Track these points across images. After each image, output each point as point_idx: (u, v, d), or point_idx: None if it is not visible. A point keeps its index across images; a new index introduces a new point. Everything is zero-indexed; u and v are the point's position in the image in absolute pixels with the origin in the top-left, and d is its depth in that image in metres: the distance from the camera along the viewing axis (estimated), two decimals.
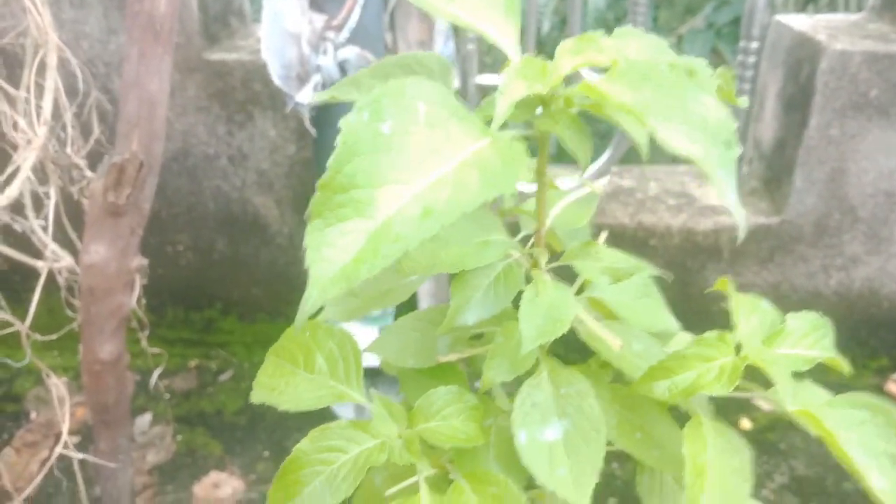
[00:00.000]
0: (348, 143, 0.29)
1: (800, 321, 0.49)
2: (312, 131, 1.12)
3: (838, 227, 1.43)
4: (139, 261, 0.84)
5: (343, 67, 1.11)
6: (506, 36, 0.36)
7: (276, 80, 1.06)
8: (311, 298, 0.27)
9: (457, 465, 0.45)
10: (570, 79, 0.36)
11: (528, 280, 0.43)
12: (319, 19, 1.07)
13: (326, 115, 1.15)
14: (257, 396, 0.47)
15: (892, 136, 1.32)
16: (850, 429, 0.41)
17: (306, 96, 1.05)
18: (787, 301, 1.50)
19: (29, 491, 1.19)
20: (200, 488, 1.33)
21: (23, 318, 1.00)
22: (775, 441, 1.41)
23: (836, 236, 1.45)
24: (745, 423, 1.44)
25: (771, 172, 1.49)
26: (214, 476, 1.35)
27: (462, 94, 1.38)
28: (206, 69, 1.27)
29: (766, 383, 0.47)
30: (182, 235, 1.44)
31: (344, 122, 0.29)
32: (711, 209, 1.48)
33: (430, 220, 0.27)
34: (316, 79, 1.06)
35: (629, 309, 0.45)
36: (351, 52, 1.10)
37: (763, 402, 1.49)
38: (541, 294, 0.40)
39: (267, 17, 1.06)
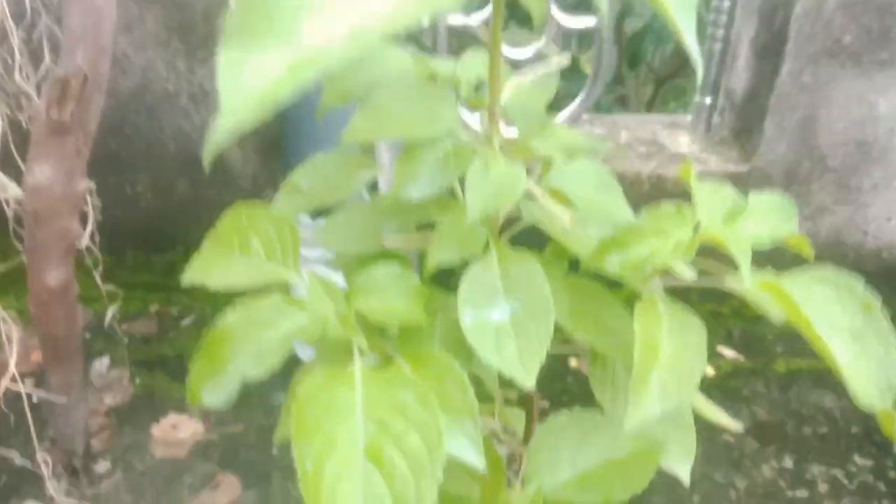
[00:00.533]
0: None
1: (762, 201, 0.48)
2: None
3: (808, 175, 1.43)
4: (86, 183, 0.81)
5: None
6: None
7: None
8: (222, 127, 0.25)
9: (400, 350, 0.43)
10: None
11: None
12: None
13: None
14: (189, 277, 0.45)
15: (864, 83, 1.31)
16: (815, 304, 0.39)
17: None
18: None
19: None
20: (159, 429, 1.31)
21: None
22: (737, 388, 1.42)
23: (804, 185, 1.44)
24: (708, 371, 1.45)
25: (742, 122, 1.48)
26: (173, 417, 1.33)
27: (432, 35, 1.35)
28: (165, 1, 1.23)
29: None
30: (142, 175, 1.40)
31: None
32: (681, 157, 1.47)
33: (357, 41, 0.24)
34: None
35: (588, 201, 0.43)
36: None
37: (725, 350, 1.50)
38: (491, 168, 0.38)
39: None
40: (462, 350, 0.40)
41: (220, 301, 1.55)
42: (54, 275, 0.84)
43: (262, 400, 1.39)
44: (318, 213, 0.53)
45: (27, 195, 0.79)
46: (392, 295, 0.42)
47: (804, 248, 0.48)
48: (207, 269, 0.45)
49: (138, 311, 1.54)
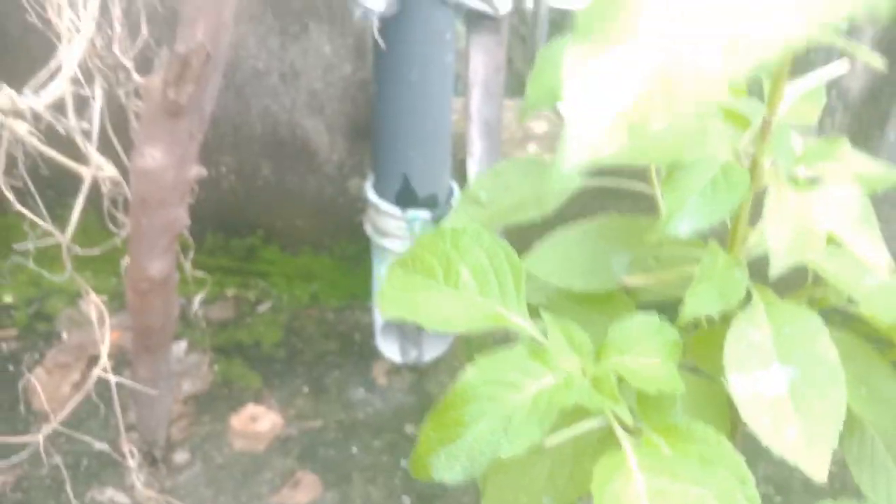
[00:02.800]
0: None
1: None
2: (381, 42, 1.02)
3: None
4: (197, 170, 0.76)
5: None
6: None
7: None
8: (572, 154, 0.18)
9: (643, 418, 0.35)
10: None
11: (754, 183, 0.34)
12: None
13: (392, 28, 1.05)
14: (388, 309, 0.37)
15: None
16: None
17: (378, 2, 0.95)
18: None
19: (65, 413, 1.13)
20: (238, 420, 1.28)
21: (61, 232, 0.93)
22: None
23: None
24: None
25: (858, 125, 1.38)
26: (252, 409, 1.30)
27: (532, 18, 1.28)
28: None
29: None
30: (225, 157, 1.36)
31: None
32: None
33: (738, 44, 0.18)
34: None
35: (849, 234, 0.36)
36: None
37: None
38: (783, 201, 0.31)
39: None
40: (708, 419, 0.32)
41: (297, 289, 1.51)
42: (157, 265, 0.79)
43: (341, 393, 1.34)
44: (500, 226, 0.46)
45: (135, 180, 0.74)
46: (648, 352, 0.34)
47: None
48: (406, 300, 0.37)
49: (215, 295, 1.50)
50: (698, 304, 0.33)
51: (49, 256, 1.05)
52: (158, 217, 0.76)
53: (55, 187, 1.29)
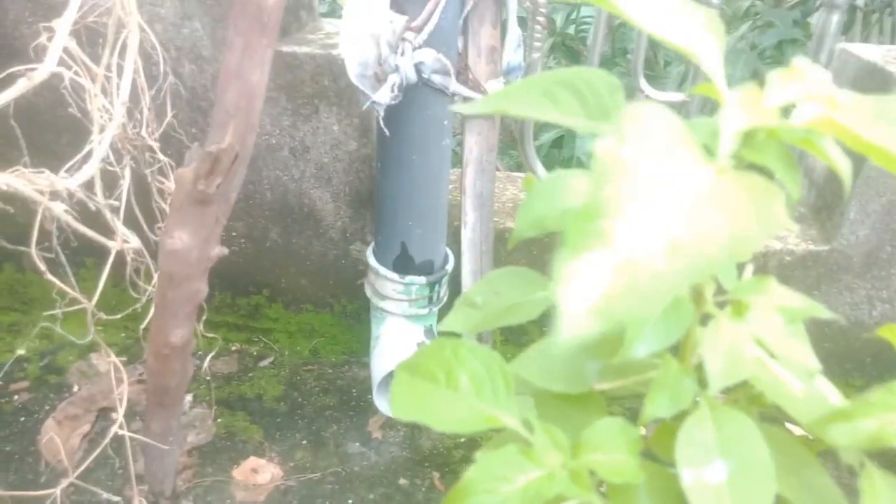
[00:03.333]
0: (596, 171, 0.28)
1: None
2: (385, 131, 1.12)
3: (889, 259, 1.43)
4: (219, 250, 0.85)
5: (418, 69, 1.11)
6: (709, 54, 0.35)
7: (353, 78, 1.07)
8: (562, 333, 0.27)
9: (611, 498, 0.43)
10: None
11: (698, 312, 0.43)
12: (400, 20, 1.08)
13: (396, 115, 1.16)
14: (400, 411, 0.45)
15: None
16: None
17: (384, 96, 1.05)
18: (830, 329, 1.50)
19: (78, 467, 1.20)
20: (239, 472, 1.34)
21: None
22: None
23: (885, 269, 1.44)
24: None
25: (822, 201, 1.48)
26: (253, 461, 1.37)
27: None
28: (276, 61, 1.28)
29: None
30: (238, 223, 1.45)
31: (597, 148, 0.28)
32: None
33: (678, 257, 0.26)
34: (393, 79, 1.07)
35: (780, 348, 0.44)
36: (427, 55, 1.11)
37: None
38: (720, 331, 0.40)
39: (348, 15, 1.07)
40: (672, 502, 0.41)
41: (298, 345, 1.59)
42: (179, 332, 0.88)
43: (338, 447, 1.41)
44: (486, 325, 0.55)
45: (163, 258, 0.83)
46: (615, 449, 0.42)
47: None
48: (415, 404, 0.46)
49: (220, 351, 1.58)
50: (655, 409, 0.41)
51: (68, 315, 1.13)
52: (182, 291, 0.84)
53: (71, 249, 1.38)
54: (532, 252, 1.47)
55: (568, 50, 2.30)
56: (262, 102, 0.78)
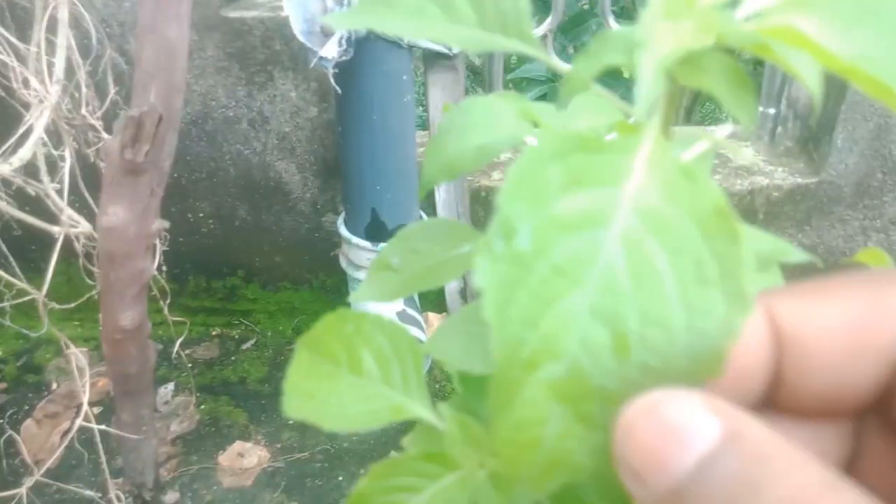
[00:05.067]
0: (489, 290, 0.21)
1: None
2: (337, 89, 1.07)
3: (881, 187, 1.37)
4: (159, 224, 0.80)
5: None
6: None
7: (299, 35, 1.01)
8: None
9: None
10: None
11: None
12: None
13: (351, 73, 1.10)
14: (293, 407, 0.37)
15: None
16: None
17: (331, 51, 1.00)
18: (824, 263, 1.45)
19: (50, 463, 1.17)
20: (225, 458, 1.31)
21: (40, 288, 0.97)
22: None
23: (877, 197, 1.39)
24: None
25: (808, 132, 1.42)
26: (239, 446, 1.33)
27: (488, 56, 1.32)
28: (224, 27, 1.22)
29: None
30: (203, 202, 1.40)
31: (476, 267, 0.21)
32: (746, 169, 1.42)
33: (622, 349, 0.21)
34: (340, 32, 1.01)
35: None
36: None
37: None
38: None
39: None
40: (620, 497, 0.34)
41: (280, 325, 1.55)
42: (128, 314, 0.83)
43: None
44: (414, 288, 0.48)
45: (101, 237, 0.78)
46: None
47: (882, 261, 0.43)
48: (312, 393, 0.38)
49: (200, 336, 1.54)
50: None
51: (34, 308, 1.08)
52: (125, 270, 0.80)
53: (37, 240, 1.34)
54: None
55: None
56: (185, 59, 0.72)
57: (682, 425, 0.17)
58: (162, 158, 0.75)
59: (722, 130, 0.34)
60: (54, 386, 1.45)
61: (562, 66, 0.32)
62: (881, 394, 0.19)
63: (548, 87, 2.16)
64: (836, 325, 0.19)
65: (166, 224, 0.81)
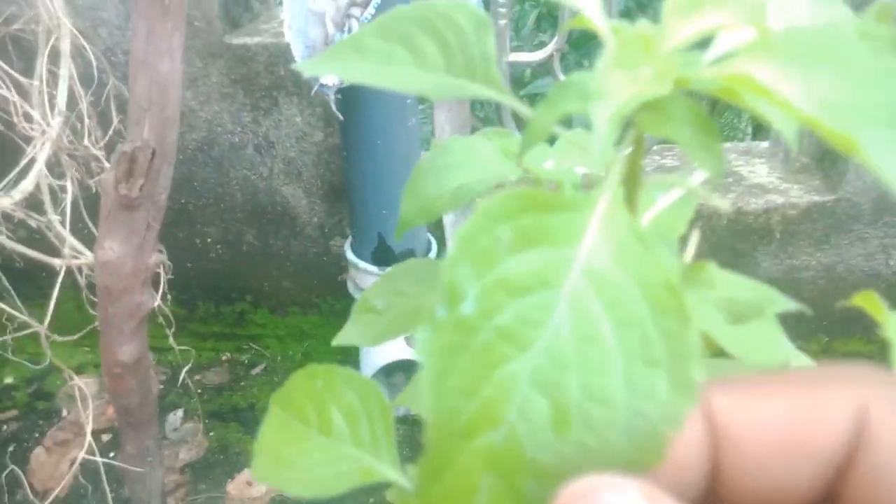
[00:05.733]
0: (428, 361, 0.20)
1: None
2: (339, 116, 1.06)
3: None
4: (157, 257, 0.79)
5: None
6: None
7: (300, 61, 1.01)
8: None
9: None
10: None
11: None
12: None
13: (353, 98, 1.09)
14: (261, 471, 0.35)
15: None
16: None
17: (331, 78, 0.99)
18: (844, 283, 1.41)
19: (58, 492, 1.16)
20: (234, 486, 1.29)
21: (44, 318, 0.96)
22: None
23: None
24: None
25: (823, 148, 1.40)
26: (247, 474, 1.31)
27: None
28: (228, 54, 1.22)
29: None
30: (210, 228, 1.40)
31: (417, 337, 0.20)
32: (761, 188, 1.39)
33: (562, 423, 0.19)
34: None
35: (740, 340, 0.36)
36: None
37: None
38: None
39: None
40: None
41: (289, 349, 1.54)
42: (127, 349, 0.82)
43: None
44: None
45: (98, 272, 0.77)
46: None
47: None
48: (280, 454, 0.36)
49: (210, 362, 1.53)
50: None
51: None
52: (123, 304, 0.79)
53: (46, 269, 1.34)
54: None
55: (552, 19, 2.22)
56: (179, 93, 0.71)
57: None
58: (157, 192, 0.75)
59: (696, 177, 0.32)
60: (65, 413, 1.45)
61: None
62: (823, 496, 0.18)
63: None
64: (774, 423, 0.18)
65: (164, 258, 0.80)
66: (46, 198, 0.99)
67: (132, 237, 0.76)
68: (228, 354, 1.55)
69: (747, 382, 0.19)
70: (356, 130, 1.14)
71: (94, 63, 1.04)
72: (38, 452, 1.35)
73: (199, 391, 1.46)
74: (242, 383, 1.50)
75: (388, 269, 1.24)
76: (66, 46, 0.98)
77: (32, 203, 0.97)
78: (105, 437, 1.38)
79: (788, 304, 0.35)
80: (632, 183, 0.24)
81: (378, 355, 1.27)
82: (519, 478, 0.19)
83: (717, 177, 0.22)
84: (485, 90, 0.28)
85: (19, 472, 1.11)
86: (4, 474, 1.23)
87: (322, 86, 1.00)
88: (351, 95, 1.08)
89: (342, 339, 0.48)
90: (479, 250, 0.20)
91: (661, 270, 0.19)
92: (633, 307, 0.20)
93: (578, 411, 0.19)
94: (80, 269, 0.97)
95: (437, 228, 1.34)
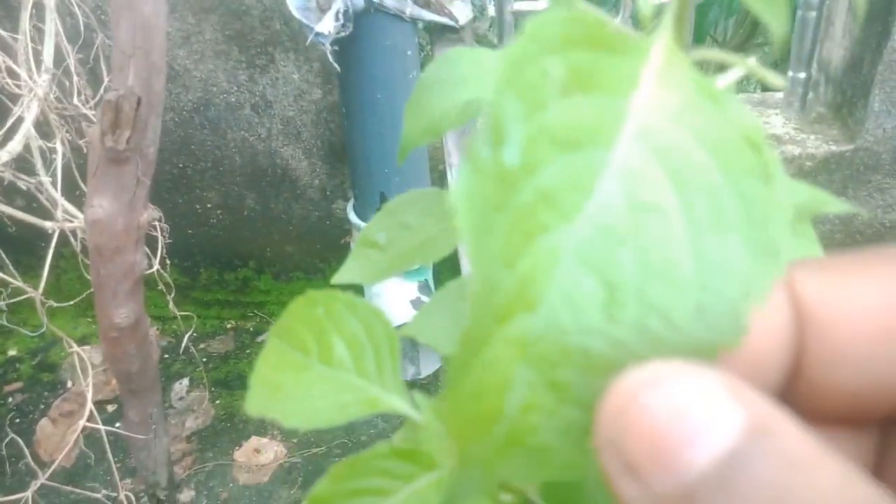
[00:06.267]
0: (465, 211, 0.16)
1: None
2: (336, 67, 1.01)
3: None
4: (149, 214, 0.75)
5: None
6: None
7: (295, 11, 0.96)
8: (459, 480, 0.17)
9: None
10: None
11: None
12: None
13: (352, 52, 1.05)
14: (255, 403, 0.32)
15: None
16: None
17: (327, 26, 0.94)
18: (862, 236, 1.37)
19: (64, 463, 1.14)
20: (241, 454, 1.27)
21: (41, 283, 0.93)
22: None
23: None
24: None
25: (842, 96, 1.34)
26: (255, 441, 1.29)
27: (497, 24, 1.26)
28: (221, 9, 1.18)
29: None
30: (210, 193, 1.36)
31: (460, 174, 0.17)
32: (776, 138, 1.34)
33: (615, 304, 0.16)
34: (337, 5, 0.95)
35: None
36: None
37: None
38: None
39: None
40: None
41: None
42: (123, 311, 0.79)
43: None
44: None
45: (88, 230, 0.74)
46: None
47: None
48: (278, 385, 0.33)
49: (215, 329, 1.50)
50: None
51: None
52: (116, 265, 0.75)
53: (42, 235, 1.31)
54: None
55: None
56: (164, 37, 0.68)
57: (696, 411, 0.12)
58: (146, 144, 0.71)
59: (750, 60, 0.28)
60: (69, 384, 1.43)
61: None
62: None
63: None
64: (872, 308, 0.14)
65: (157, 214, 0.77)
66: (37, 160, 0.96)
67: (122, 193, 0.72)
68: (233, 322, 1.52)
69: (843, 262, 0.16)
70: (355, 86, 1.10)
71: (82, 19, 1.00)
72: (44, 424, 1.33)
73: (205, 359, 1.44)
74: (248, 351, 1.47)
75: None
76: (50, 1, 0.94)
77: (22, 166, 0.94)
78: (110, 408, 1.36)
79: (843, 206, 0.32)
80: (680, 28, 0.21)
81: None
82: (560, 371, 0.16)
83: (781, 41, 0.19)
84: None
85: (22, 444, 1.09)
86: (6, 442, 1.21)
87: (317, 34, 0.96)
88: (349, 47, 1.03)
89: (342, 276, 0.44)
90: (526, 84, 0.17)
91: (737, 123, 0.16)
92: (699, 167, 0.16)
93: (635, 290, 0.15)
94: (74, 233, 0.94)
95: (441, 187, 1.30)
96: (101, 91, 1.05)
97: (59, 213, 0.93)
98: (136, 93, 0.65)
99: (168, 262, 1.12)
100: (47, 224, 0.89)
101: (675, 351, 0.14)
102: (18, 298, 0.95)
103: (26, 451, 1.05)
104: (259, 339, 1.49)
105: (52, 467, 0.97)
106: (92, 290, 1.06)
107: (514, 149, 0.16)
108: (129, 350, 0.85)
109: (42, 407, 1.39)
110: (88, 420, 0.93)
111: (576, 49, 0.17)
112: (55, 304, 0.95)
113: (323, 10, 0.97)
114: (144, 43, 0.66)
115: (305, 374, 0.34)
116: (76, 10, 0.99)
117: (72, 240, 0.94)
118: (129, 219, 0.73)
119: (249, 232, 1.41)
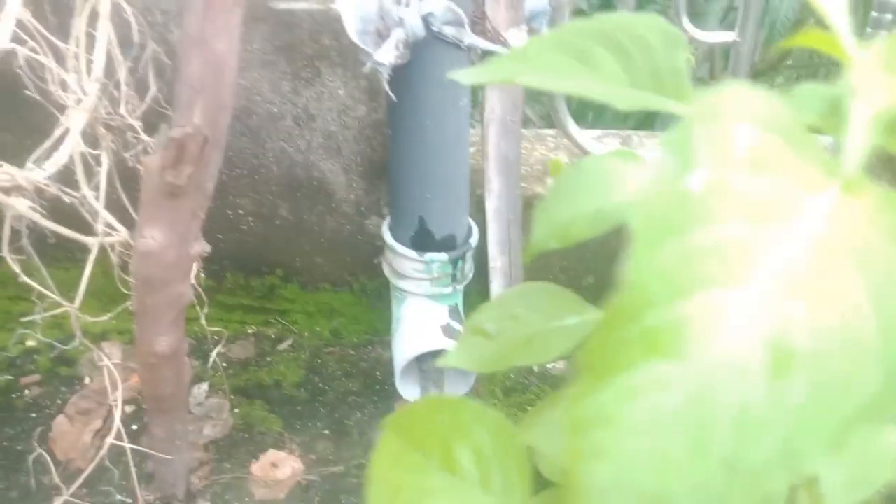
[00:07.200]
0: (646, 219, 0.15)
1: None
2: (392, 97, 0.99)
3: None
4: (200, 246, 0.74)
5: (427, 21, 0.98)
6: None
7: (353, 36, 0.94)
8: None
9: None
10: None
11: None
12: None
13: (406, 76, 1.03)
14: (378, 497, 0.32)
15: None
16: None
17: (387, 55, 0.92)
18: None
19: (79, 464, 1.13)
20: (258, 468, 1.26)
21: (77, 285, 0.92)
22: None
23: None
24: None
25: None
26: (273, 455, 1.28)
27: None
28: (272, 19, 1.15)
29: None
30: (243, 199, 1.34)
31: (644, 184, 0.16)
32: None
33: (787, 380, 0.14)
34: (397, 34, 0.93)
35: None
36: (436, 4, 0.97)
37: None
38: None
39: None
40: None
41: (317, 325, 1.49)
42: (164, 340, 0.78)
43: (362, 436, 1.32)
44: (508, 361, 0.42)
45: (137, 261, 0.72)
46: None
47: None
48: (397, 487, 0.32)
49: (236, 334, 1.49)
50: None
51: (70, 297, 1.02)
52: (162, 296, 0.74)
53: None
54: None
55: None
56: (234, 75, 0.65)
57: None
58: (205, 180, 0.69)
59: None
60: (87, 381, 1.41)
61: None
62: None
63: None
64: None
65: (208, 247, 0.75)
66: (80, 171, 0.94)
67: (176, 226, 0.70)
68: (255, 327, 1.50)
69: None
70: (405, 109, 1.08)
71: (134, 25, 0.98)
72: (61, 421, 1.32)
73: (225, 365, 1.42)
74: (268, 359, 1.46)
75: (428, 254, 1.17)
76: (105, 7, 0.92)
77: (62, 177, 0.92)
78: (128, 409, 1.34)
79: None
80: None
81: (413, 344, 1.23)
82: (711, 433, 0.15)
83: None
84: (674, 105, 0.27)
85: (41, 449, 1.08)
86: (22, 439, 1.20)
87: (376, 63, 0.94)
88: (401, 73, 1.01)
89: (451, 360, 0.43)
90: (718, 126, 0.18)
91: None
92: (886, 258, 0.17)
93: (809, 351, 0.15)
94: (112, 247, 0.92)
95: (477, 212, 1.28)
96: (148, 100, 1.03)
97: (99, 227, 0.91)
98: (203, 132, 0.63)
99: (200, 272, 1.11)
100: (89, 240, 0.87)
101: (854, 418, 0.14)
102: (53, 312, 0.93)
103: (47, 457, 1.03)
104: (280, 346, 1.48)
105: (77, 483, 0.95)
106: (127, 304, 1.05)
107: (699, 178, 0.17)
108: (166, 375, 0.84)
109: (59, 402, 1.37)
110: (116, 438, 0.92)
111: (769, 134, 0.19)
112: (90, 320, 0.93)
113: (381, 36, 0.95)
114: (214, 80, 0.64)
115: (426, 480, 0.32)
116: (129, 16, 0.97)
117: (109, 253, 0.92)
118: (181, 251, 0.72)
119: (280, 241, 1.39)
